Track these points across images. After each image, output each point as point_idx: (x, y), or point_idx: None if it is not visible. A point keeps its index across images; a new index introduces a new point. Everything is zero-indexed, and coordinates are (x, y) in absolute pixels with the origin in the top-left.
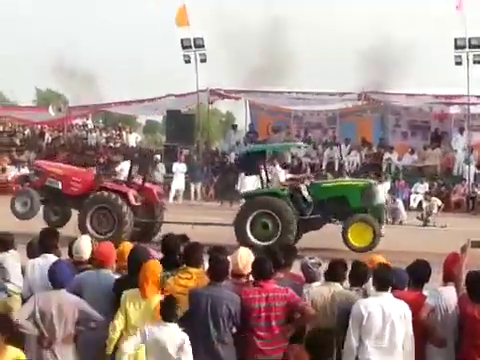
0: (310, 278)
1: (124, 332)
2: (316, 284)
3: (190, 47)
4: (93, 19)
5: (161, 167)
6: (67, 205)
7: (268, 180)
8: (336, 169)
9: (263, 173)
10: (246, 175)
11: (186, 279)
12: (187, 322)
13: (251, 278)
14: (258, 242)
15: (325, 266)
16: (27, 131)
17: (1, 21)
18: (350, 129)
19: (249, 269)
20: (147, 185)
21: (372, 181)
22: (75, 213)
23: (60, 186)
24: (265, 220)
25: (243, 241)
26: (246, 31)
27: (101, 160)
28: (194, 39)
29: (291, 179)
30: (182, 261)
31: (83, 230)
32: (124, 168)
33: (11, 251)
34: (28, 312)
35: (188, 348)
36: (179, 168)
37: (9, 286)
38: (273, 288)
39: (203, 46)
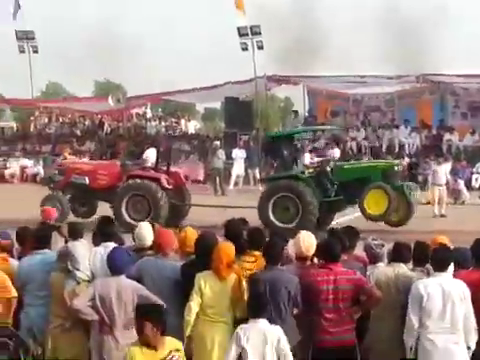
0: (373, 259)
1: (200, 313)
2: (380, 265)
3: (247, 35)
4: (153, 10)
5: (221, 154)
6: (95, 199)
7: (296, 163)
8: (396, 151)
9: (287, 157)
10: (272, 159)
11: (251, 262)
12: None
13: (315, 261)
14: (280, 224)
15: (388, 247)
16: (87, 122)
17: (61, 11)
18: (409, 111)
19: (312, 251)
20: (173, 169)
21: (394, 162)
22: (102, 205)
23: (87, 181)
24: (286, 203)
25: (266, 223)
26: (300, 16)
27: (161, 149)
28: (251, 27)
29: (316, 162)
30: (246, 245)
31: (119, 219)
32: (149, 156)
33: (81, 240)
34: (88, 298)
35: (286, 345)
36: (238, 154)
37: (78, 274)
38: (341, 270)
39: (260, 33)
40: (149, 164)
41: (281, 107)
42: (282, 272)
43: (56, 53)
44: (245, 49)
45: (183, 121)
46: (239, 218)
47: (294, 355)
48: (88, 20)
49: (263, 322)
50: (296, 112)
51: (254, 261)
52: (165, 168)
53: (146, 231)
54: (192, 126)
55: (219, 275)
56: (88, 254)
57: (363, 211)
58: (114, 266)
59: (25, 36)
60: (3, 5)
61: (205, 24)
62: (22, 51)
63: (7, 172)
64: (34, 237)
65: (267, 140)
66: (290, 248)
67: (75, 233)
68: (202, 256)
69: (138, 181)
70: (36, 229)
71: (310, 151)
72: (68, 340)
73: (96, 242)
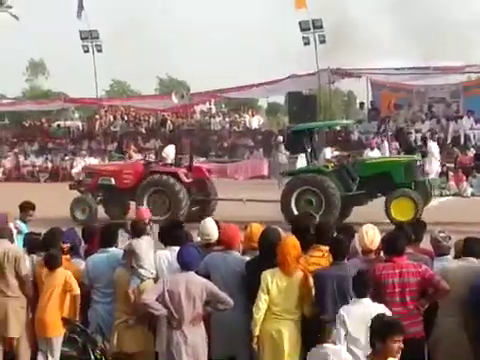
0: (440, 252)
1: (267, 312)
2: (447, 257)
3: (308, 29)
4: (214, 6)
5: (284, 148)
6: (123, 198)
7: (315, 157)
8: (462, 143)
9: (308, 151)
10: (293, 154)
11: (318, 257)
12: (316, 303)
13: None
14: None
15: (454, 240)
16: (151, 119)
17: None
18: (474, 102)
19: (376, 245)
20: (196, 164)
21: (415, 157)
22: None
23: (113, 182)
24: (309, 197)
25: (288, 217)
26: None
27: (225, 144)
28: (312, 21)
29: (337, 156)
30: (313, 239)
31: None
32: (169, 152)
33: (144, 237)
34: (157, 293)
35: None
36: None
37: (142, 271)
38: (406, 263)
39: (321, 27)
40: (169, 160)
41: (344, 101)
42: (348, 267)
43: (119, 52)
44: (307, 43)
45: (247, 116)
46: (306, 213)
47: None
48: (151, 18)
49: (366, 301)
50: (362, 104)
51: (321, 256)
52: (187, 164)
53: (211, 227)
54: (256, 121)
55: (285, 271)
56: (151, 251)
57: (390, 218)
58: (184, 262)
59: (89, 36)
60: (67, 5)
61: (267, 19)
62: (86, 51)
63: (74, 171)
64: (100, 235)
65: (290, 134)
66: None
67: (138, 231)
68: (266, 252)
69: (157, 177)
70: (102, 227)
71: (330, 145)
72: (133, 335)
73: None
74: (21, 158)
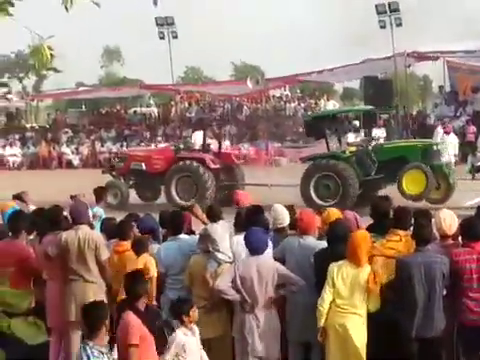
0: None
1: (332, 304)
2: None
3: (385, 12)
4: None
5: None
6: (154, 183)
7: (339, 143)
8: None
9: (329, 137)
10: (316, 139)
11: (395, 242)
12: (397, 290)
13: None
14: (321, 202)
15: None
16: (227, 105)
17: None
18: None
19: (453, 230)
20: (224, 150)
21: (432, 141)
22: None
23: (144, 167)
24: (327, 182)
25: (307, 201)
26: None
27: (300, 130)
28: (389, 3)
29: (357, 142)
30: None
31: (170, 200)
32: (197, 138)
33: (220, 222)
34: (229, 279)
35: None
36: (378, 133)
37: (219, 255)
38: None
39: (398, 10)
40: (197, 147)
41: (420, 85)
42: (433, 253)
43: (194, 38)
44: (383, 27)
45: (322, 101)
46: (383, 196)
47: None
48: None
49: None
50: (441, 88)
51: (399, 240)
52: (216, 149)
53: (282, 212)
54: (331, 106)
55: (355, 263)
56: (227, 235)
57: (402, 191)
58: (253, 247)
59: (165, 22)
60: None
61: (342, 2)
62: (162, 37)
63: None
64: (170, 222)
65: (308, 120)
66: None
67: (214, 215)
68: (335, 243)
69: (185, 163)
70: (171, 214)
71: (356, 130)
72: (211, 320)
73: (238, 230)
74: (98, 145)
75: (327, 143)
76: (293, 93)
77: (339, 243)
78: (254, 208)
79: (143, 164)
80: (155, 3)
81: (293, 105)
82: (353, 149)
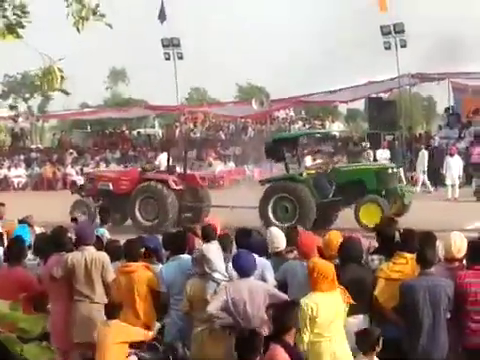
0: None
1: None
2: None
3: (390, 33)
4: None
5: (369, 154)
6: (120, 204)
7: (299, 165)
8: None
9: (288, 160)
10: (276, 162)
11: (401, 264)
12: (402, 314)
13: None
14: (279, 224)
15: None
16: (231, 126)
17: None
18: None
19: (463, 253)
20: (189, 172)
21: (388, 164)
22: None
23: (111, 187)
24: (284, 203)
25: (266, 223)
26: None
27: (305, 151)
28: (394, 25)
29: (317, 164)
30: (397, 246)
31: (134, 220)
32: (162, 160)
33: (214, 242)
34: (220, 302)
35: None
36: (383, 155)
37: (216, 275)
38: None
39: (403, 31)
40: (162, 168)
41: (424, 106)
42: (437, 276)
43: (199, 59)
44: (388, 48)
45: (327, 123)
46: (389, 218)
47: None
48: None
49: None
50: (447, 109)
51: (406, 263)
52: (181, 171)
53: (278, 235)
54: (336, 127)
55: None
56: (221, 255)
57: (358, 221)
58: (242, 269)
59: (171, 43)
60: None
61: (346, 23)
62: (167, 58)
63: None
64: (170, 242)
65: (270, 142)
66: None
67: (208, 235)
68: (347, 261)
69: (147, 184)
70: (172, 234)
71: (315, 152)
72: (214, 342)
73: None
74: (103, 166)
75: (286, 166)
76: (298, 114)
77: (352, 260)
78: (244, 231)
79: (110, 184)
80: (161, 19)
81: (297, 126)
82: (311, 172)
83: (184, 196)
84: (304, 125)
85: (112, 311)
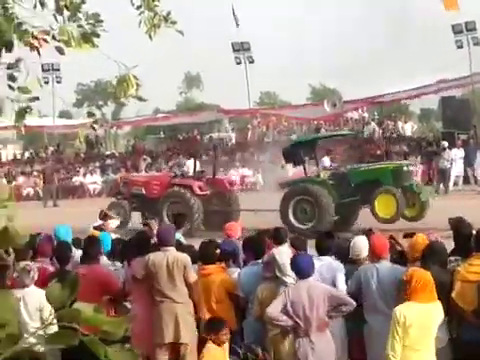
0: None
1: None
2: None
3: (461, 32)
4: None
5: (447, 154)
6: (155, 206)
7: (317, 166)
8: None
9: (307, 163)
10: (294, 166)
11: (477, 265)
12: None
13: None
14: (300, 225)
15: None
16: (304, 128)
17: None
18: None
19: None
20: (218, 176)
21: (403, 162)
22: None
23: (144, 191)
24: (304, 205)
25: (287, 224)
26: None
27: (378, 152)
28: (466, 23)
29: (335, 165)
30: (474, 247)
31: (162, 223)
32: (189, 166)
33: (285, 245)
34: (280, 305)
35: None
36: (457, 154)
37: (286, 279)
38: None
39: (475, 29)
40: (190, 173)
41: None
42: None
43: (270, 62)
44: (460, 47)
45: (400, 123)
46: (458, 217)
47: None
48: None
49: None
50: None
51: None
52: (210, 176)
53: (362, 245)
54: (409, 127)
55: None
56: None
57: (375, 215)
58: (302, 271)
59: (241, 47)
60: (222, 18)
61: (417, 21)
62: (238, 62)
63: None
64: (248, 247)
65: (288, 147)
66: None
67: (279, 239)
68: (429, 264)
69: (174, 189)
70: (248, 238)
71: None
72: (289, 345)
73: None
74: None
75: (304, 169)
76: (371, 115)
77: (434, 266)
78: (326, 234)
79: (143, 189)
80: (234, 23)
81: (371, 127)
82: (328, 173)
83: (211, 201)
84: (380, 125)
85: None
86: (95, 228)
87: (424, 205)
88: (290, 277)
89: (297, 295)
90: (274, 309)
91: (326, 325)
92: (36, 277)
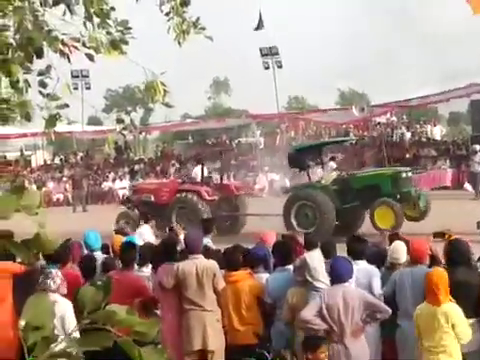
0: None
1: (422, 347)
2: None
3: None
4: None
5: (478, 157)
6: (162, 214)
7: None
8: None
9: (311, 169)
10: (299, 170)
11: None
12: None
13: None
14: (301, 230)
15: None
16: (333, 133)
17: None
18: None
19: None
20: (225, 182)
21: (402, 169)
22: None
23: (153, 198)
24: (306, 210)
25: (289, 229)
26: None
27: (407, 156)
28: None
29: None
30: None
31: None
32: (197, 172)
33: (316, 250)
34: (316, 309)
35: None
36: None
37: (317, 284)
38: None
39: None
40: (198, 179)
41: None
42: None
43: (299, 67)
44: None
45: (428, 127)
46: None
47: None
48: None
49: None
50: None
51: None
52: (218, 182)
53: (401, 250)
54: (438, 131)
55: (432, 303)
56: (323, 264)
57: (375, 225)
58: (338, 275)
59: (269, 52)
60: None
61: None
62: (267, 67)
63: (256, 186)
64: (277, 252)
65: (293, 152)
66: None
67: (311, 244)
68: (454, 264)
69: (182, 195)
70: (277, 243)
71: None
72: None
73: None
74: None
75: (308, 174)
76: (400, 119)
77: (459, 266)
78: (358, 238)
79: (152, 196)
80: (259, 28)
81: (400, 131)
82: (330, 178)
83: (220, 205)
84: (408, 130)
85: None
86: (117, 232)
87: (422, 210)
88: (321, 282)
89: (332, 299)
90: (308, 312)
91: (361, 331)
92: (63, 284)
